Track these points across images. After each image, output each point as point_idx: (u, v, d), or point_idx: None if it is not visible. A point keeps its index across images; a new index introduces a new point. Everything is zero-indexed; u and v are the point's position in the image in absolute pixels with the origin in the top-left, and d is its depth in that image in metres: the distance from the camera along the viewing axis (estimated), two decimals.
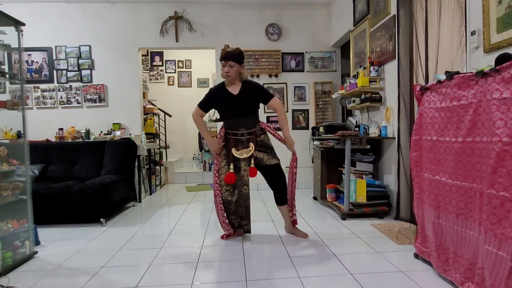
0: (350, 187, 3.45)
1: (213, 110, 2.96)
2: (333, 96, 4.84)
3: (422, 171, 2.17)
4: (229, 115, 2.73)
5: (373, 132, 3.69)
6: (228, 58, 2.62)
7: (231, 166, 2.65)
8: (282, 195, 2.82)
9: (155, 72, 7.87)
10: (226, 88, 2.73)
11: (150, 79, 7.78)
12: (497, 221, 1.50)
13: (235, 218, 2.78)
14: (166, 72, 7.89)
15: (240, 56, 2.64)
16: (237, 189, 2.71)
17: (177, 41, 5.26)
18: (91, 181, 3.54)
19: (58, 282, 2.11)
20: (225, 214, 2.77)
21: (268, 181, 2.82)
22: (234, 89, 2.72)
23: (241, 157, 2.65)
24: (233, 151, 2.66)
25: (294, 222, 2.92)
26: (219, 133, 2.83)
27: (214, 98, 2.76)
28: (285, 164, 2.81)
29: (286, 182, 2.82)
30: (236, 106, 2.69)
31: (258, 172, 2.75)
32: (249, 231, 2.85)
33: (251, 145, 2.67)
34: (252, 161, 2.67)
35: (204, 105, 2.79)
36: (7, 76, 2.51)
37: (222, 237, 2.86)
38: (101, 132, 5.08)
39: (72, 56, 5.14)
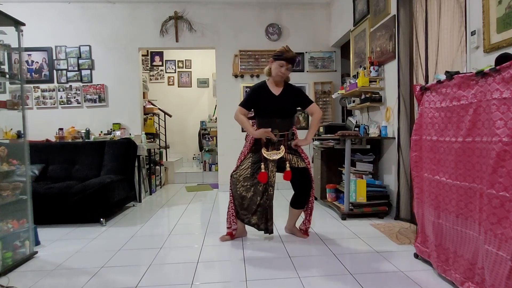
0: (350, 187, 3.45)
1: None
2: (333, 96, 4.84)
3: (422, 171, 2.17)
4: (265, 114, 2.73)
5: (373, 132, 3.69)
6: (291, 61, 2.72)
7: (263, 166, 2.65)
8: (303, 200, 2.80)
9: (155, 72, 7.87)
10: (268, 87, 2.77)
11: (150, 79, 7.78)
12: (497, 221, 1.50)
13: (246, 214, 2.75)
14: (166, 72, 7.89)
15: (295, 61, 2.80)
16: (254, 186, 2.70)
17: (177, 41, 5.26)
18: (91, 181, 3.54)
19: (58, 282, 2.11)
20: (234, 207, 2.77)
21: (293, 183, 2.81)
22: (276, 90, 2.76)
23: (270, 158, 2.65)
24: (263, 151, 2.67)
25: (306, 232, 2.90)
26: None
27: (256, 95, 2.76)
28: None
29: (311, 188, 2.79)
30: (274, 106, 2.71)
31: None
32: (272, 232, 2.79)
33: (282, 147, 2.68)
34: (288, 164, 2.68)
35: (246, 103, 2.78)
36: (7, 76, 2.51)
37: (226, 236, 2.85)
38: (101, 132, 5.08)
39: (72, 56, 5.14)
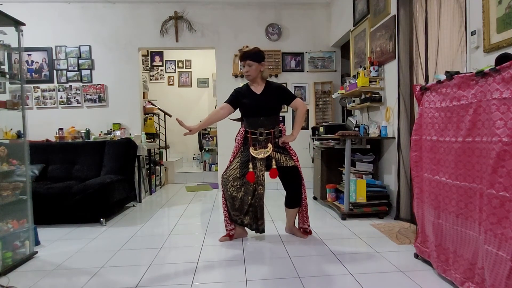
0: (350, 187, 3.45)
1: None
2: (333, 96, 4.84)
3: (422, 171, 2.17)
4: (250, 113, 2.75)
5: (373, 132, 3.69)
6: (245, 57, 2.70)
7: (251, 165, 2.66)
8: (295, 198, 2.80)
9: (155, 72, 7.87)
10: (249, 87, 2.81)
11: (150, 79, 7.78)
12: (497, 221, 1.50)
13: (239, 215, 2.76)
14: (166, 72, 7.89)
15: (257, 54, 2.72)
16: (244, 186, 2.71)
17: (177, 41, 5.26)
18: (91, 181, 3.54)
19: (58, 282, 2.11)
20: (227, 209, 2.78)
21: (283, 182, 2.82)
22: (257, 89, 2.78)
23: (258, 156, 2.67)
24: (251, 150, 2.68)
25: (306, 231, 2.90)
26: (238, 132, 2.85)
27: (239, 95, 2.80)
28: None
29: (302, 186, 2.80)
30: (257, 105, 2.72)
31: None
32: (263, 231, 2.80)
33: (269, 145, 2.69)
34: (274, 162, 2.69)
35: (230, 101, 2.80)
36: (7, 76, 2.51)
37: (225, 237, 2.85)
38: (101, 132, 5.07)
39: (72, 56, 5.14)
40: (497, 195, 1.49)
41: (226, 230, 2.83)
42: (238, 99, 2.79)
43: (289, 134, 2.80)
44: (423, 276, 2.04)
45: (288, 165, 2.74)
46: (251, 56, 2.69)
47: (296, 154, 2.82)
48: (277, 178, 2.77)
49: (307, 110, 5.42)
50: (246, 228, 2.88)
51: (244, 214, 2.76)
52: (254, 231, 2.81)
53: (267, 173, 2.75)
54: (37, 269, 2.32)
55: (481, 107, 1.64)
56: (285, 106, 5.09)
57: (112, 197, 3.60)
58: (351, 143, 3.49)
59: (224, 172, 2.78)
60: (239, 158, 2.76)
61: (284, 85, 5.25)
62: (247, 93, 2.78)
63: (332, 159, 4.03)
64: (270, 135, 2.73)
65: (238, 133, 2.84)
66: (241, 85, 2.91)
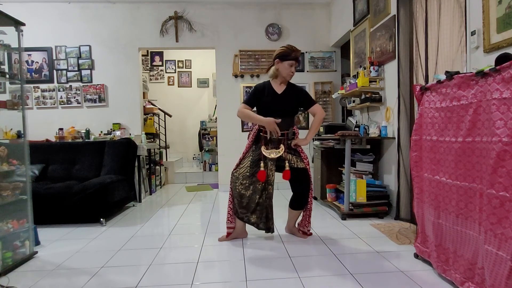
0: (350, 187, 3.45)
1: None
2: (333, 96, 4.84)
3: (422, 171, 2.17)
4: (266, 112, 2.73)
5: (373, 132, 3.69)
6: (298, 59, 2.71)
7: (262, 164, 2.66)
8: (302, 200, 2.80)
9: (155, 72, 7.87)
10: (271, 86, 2.79)
11: (150, 79, 7.78)
12: (497, 221, 1.50)
13: (245, 212, 2.75)
14: (166, 72, 7.90)
15: None
16: (253, 185, 2.71)
17: (177, 41, 5.26)
18: (91, 181, 3.54)
19: (58, 282, 2.11)
20: (232, 207, 2.78)
21: (291, 184, 2.81)
22: (279, 88, 2.77)
23: (269, 156, 2.66)
24: (263, 149, 2.68)
25: (305, 234, 2.90)
26: (251, 127, 2.85)
27: (259, 93, 2.77)
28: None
29: (310, 189, 2.79)
30: (275, 104, 2.72)
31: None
32: (273, 231, 2.81)
33: (282, 146, 2.69)
34: (287, 163, 2.69)
35: (250, 100, 2.77)
36: (7, 76, 2.51)
37: (226, 237, 2.85)
38: (101, 132, 5.08)
39: (72, 56, 5.14)
40: (497, 195, 1.49)
41: (227, 228, 2.83)
42: (256, 97, 2.76)
43: (303, 138, 2.78)
44: (423, 276, 2.04)
45: (299, 166, 2.74)
46: (299, 59, 2.71)
47: (307, 158, 2.82)
48: (278, 178, 2.77)
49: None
50: (246, 229, 2.88)
51: (251, 212, 2.75)
52: (262, 230, 2.80)
53: (277, 174, 2.75)
54: (37, 269, 2.32)
55: (481, 107, 1.64)
56: None
57: (112, 197, 3.60)
58: (351, 143, 3.49)
59: (234, 170, 2.78)
60: (251, 157, 2.75)
61: None
62: (268, 91, 2.76)
63: (332, 159, 4.03)
64: (283, 136, 2.72)
65: (251, 131, 2.83)
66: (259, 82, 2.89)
